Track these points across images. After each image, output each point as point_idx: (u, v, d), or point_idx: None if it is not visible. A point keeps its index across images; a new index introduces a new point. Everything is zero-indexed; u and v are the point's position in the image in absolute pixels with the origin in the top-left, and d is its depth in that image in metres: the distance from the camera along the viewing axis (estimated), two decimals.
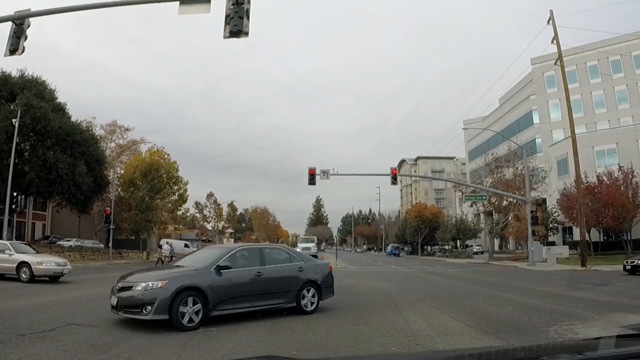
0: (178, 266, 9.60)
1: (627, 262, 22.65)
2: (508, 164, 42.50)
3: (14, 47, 12.92)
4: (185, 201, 59.24)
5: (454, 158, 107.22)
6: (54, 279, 16.75)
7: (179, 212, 62.04)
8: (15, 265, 16.21)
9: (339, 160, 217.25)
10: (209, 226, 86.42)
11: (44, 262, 16.49)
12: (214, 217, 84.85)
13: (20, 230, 46.42)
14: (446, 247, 72.38)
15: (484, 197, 40.23)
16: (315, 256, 50.51)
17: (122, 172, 50.25)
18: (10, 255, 16.53)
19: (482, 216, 53.18)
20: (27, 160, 35.38)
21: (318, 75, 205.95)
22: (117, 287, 8.33)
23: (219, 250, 9.67)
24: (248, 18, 11.87)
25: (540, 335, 7.34)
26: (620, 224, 34.28)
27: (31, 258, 16.58)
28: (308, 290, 9.73)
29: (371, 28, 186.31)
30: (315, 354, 6.17)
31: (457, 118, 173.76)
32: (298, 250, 55.47)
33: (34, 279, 15.96)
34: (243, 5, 11.81)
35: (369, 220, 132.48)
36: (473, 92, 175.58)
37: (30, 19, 13.29)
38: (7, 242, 18.39)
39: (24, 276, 16.01)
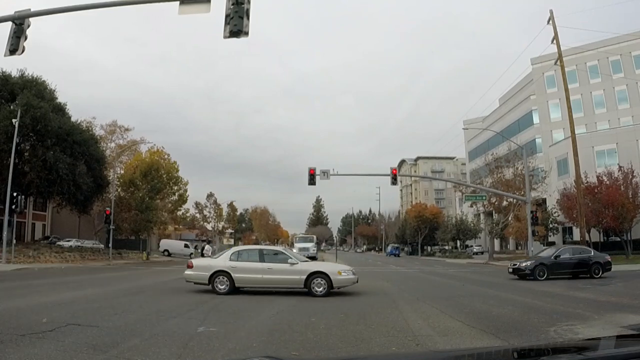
0: None
1: (510, 265, 21.75)
2: (508, 164, 42.47)
3: (14, 47, 12.93)
4: (185, 201, 59.19)
5: (454, 158, 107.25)
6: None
7: (179, 213, 61.96)
8: (304, 277, 13.10)
9: (339, 160, 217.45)
10: (209, 226, 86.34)
11: (344, 270, 13.66)
12: (214, 217, 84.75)
13: (20, 230, 46.43)
14: (446, 247, 72.34)
15: (484, 197, 40.21)
16: (314, 257, 48.94)
17: (122, 172, 50.21)
18: (292, 265, 13.35)
19: (482, 216, 53.15)
20: (27, 160, 35.38)
21: (318, 75, 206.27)
22: None
23: None
24: (248, 18, 11.88)
25: (540, 335, 7.33)
26: (620, 224, 34.24)
27: (326, 267, 14.03)
28: None
29: (371, 28, 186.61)
30: (315, 354, 6.17)
31: (457, 118, 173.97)
32: (295, 251, 51.92)
33: (329, 292, 13.06)
34: (243, 5, 11.82)
35: (369, 221, 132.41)
36: (473, 92, 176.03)
37: (30, 19, 13.30)
38: (281, 248, 15.84)
39: (318, 289, 12.97)
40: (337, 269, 13.78)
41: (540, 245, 38.10)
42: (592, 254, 21.05)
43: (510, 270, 20.76)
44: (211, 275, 13.33)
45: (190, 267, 13.95)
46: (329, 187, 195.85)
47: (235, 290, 13.31)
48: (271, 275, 13.25)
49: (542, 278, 19.13)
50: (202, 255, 33.20)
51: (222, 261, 13.59)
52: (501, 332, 7.52)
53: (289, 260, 13.47)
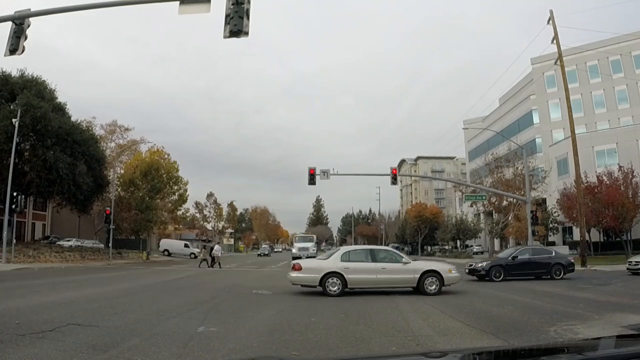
0: None
1: (466, 265, 21.09)
2: (508, 164, 42.49)
3: (14, 47, 12.94)
4: (185, 201, 59.25)
5: (454, 158, 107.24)
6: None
7: (179, 212, 62.02)
8: (418, 276, 13.26)
9: (339, 160, 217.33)
10: (208, 226, 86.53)
11: (453, 269, 13.90)
12: (214, 217, 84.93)
13: (20, 230, 46.42)
14: (446, 247, 72.34)
15: (484, 197, 40.22)
16: (313, 257, 47.44)
17: (122, 172, 50.23)
18: (405, 264, 13.49)
19: (482, 216, 53.19)
20: (27, 160, 35.39)
21: (318, 75, 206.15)
22: None
23: None
24: (248, 18, 11.89)
25: (540, 335, 7.33)
26: (620, 224, 34.27)
27: (436, 265, 14.27)
28: None
29: (371, 28, 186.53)
30: (315, 354, 6.17)
31: (457, 118, 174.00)
32: (294, 251, 49.70)
33: (440, 290, 13.25)
34: (243, 5, 11.82)
35: (369, 220, 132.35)
36: (473, 92, 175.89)
37: (30, 19, 13.30)
38: (390, 248, 16.09)
39: (430, 288, 13.19)
40: (446, 267, 13.99)
41: (540, 245, 38.10)
42: (553, 254, 20.46)
43: (467, 270, 19.69)
44: (322, 277, 13.11)
45: (298, 269, 13.44)
46: (329, 187, 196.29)
47: (345, 291, 13.15)
48: (385, 275, 13.25)
49: (498, 279, 18.58)
50: (211, 255, 33.40)
51: (333, 262, 13.37)
52: (501, 332, 7.52)
53: (403, 260, 13.64)
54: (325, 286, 13.02)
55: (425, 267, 13.70)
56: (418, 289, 13.26)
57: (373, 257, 13.57)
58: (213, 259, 32.91)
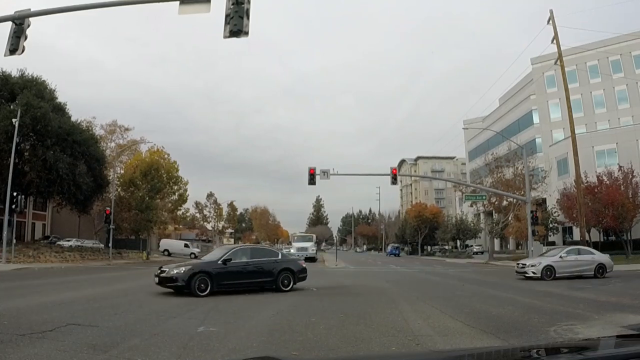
0: None
1: (156, 272, 14.44)
2: (508, 163, 42.49)
3: (14, 47, 12.94)
4: (185, 201, 59.21)
5: (454, 158, 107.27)
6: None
7: (179, 212, 61.97)
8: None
9: (339, 160, 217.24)
10: (209, 226, 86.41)
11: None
12: (214, 217, 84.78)
13: (20, 230, 46.41)
14: (446, 247, 72.37)
15: (484, 197, 40.22)
16: (314, 258, 46.21)
17: (122, 172, 50.23)
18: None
19: (482, 216, 53.17)
20: (27, 160, 35.37)
21: (318, 75, 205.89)
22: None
23: None
24: (248, 18, 11.89)
25: (540, 335, 7.34)
26: (620, 224, 34.24)
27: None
28: None
29: (371, 28, 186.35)
30: (315, 354, 6.17)
31: (457, 118, 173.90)
32: (292, 251, 49.48)
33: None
34: (243, 5, 11.83)
35: (369, 220, 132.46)
36: (473, 92, 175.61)
37: (30, 19, 13.31)
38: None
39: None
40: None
41: (540, 245, 38.06)
42: (279, 257, 15.68)
43: (157, 280, 13.61)
44: None
45: None
46: (329, 187, 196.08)
47: None
48: None
49: (204, 293, 12.85)
50: None
51: None
52: (501, 332, 7.53)
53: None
54: None
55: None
56: None
57: None
58: None
